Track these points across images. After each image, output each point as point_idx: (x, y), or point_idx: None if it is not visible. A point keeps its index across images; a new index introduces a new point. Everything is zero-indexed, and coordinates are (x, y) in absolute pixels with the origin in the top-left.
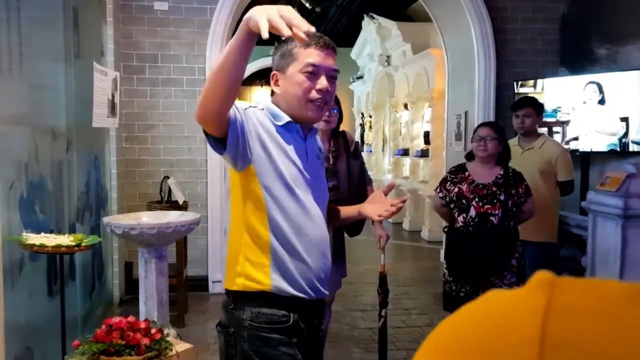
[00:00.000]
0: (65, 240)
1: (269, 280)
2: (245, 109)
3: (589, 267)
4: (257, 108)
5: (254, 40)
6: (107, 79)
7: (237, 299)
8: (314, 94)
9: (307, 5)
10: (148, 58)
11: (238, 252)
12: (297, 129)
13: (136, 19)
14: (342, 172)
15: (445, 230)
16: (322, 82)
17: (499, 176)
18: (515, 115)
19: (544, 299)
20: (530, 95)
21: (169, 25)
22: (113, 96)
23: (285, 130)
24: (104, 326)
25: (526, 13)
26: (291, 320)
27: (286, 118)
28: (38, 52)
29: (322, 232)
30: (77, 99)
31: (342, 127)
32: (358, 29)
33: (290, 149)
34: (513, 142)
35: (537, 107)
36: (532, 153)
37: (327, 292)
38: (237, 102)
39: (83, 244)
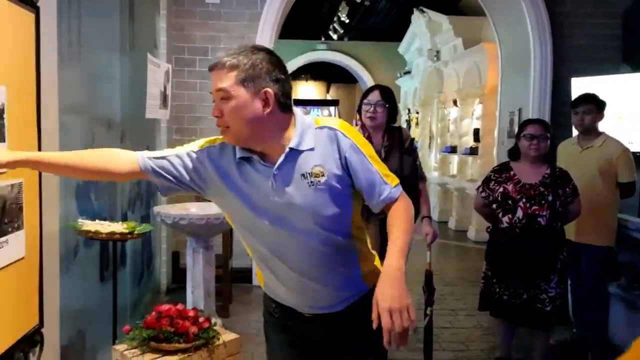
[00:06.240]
0: (119, 227)
1: (264, 287)
2: (204, 147)
3: None
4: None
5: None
6: (160, 70)
7: None
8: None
9: None
10: (199, 51)
11: None
12: (257, 159)
13: (188, 12)
14: (393, 168)
15: (489, 230)
16: (214, 107)
17: (546, 175)
18: (575, 112)
19: None
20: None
21: (219, 18)
22: (165, 88)
23: (246, 162)
24: (154, 313)
25: (586, 7)
26: (278, 315)
27: (239, 152)
28: (96, 42)
29: (292, 275)
30: (130, 90)
31: None
32: (407, 23)
33: (246, 186)
34: (572, 141)
35: (598, 104)
36: (591, 152)
37: (329, 311)
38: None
39: (136, 232)
